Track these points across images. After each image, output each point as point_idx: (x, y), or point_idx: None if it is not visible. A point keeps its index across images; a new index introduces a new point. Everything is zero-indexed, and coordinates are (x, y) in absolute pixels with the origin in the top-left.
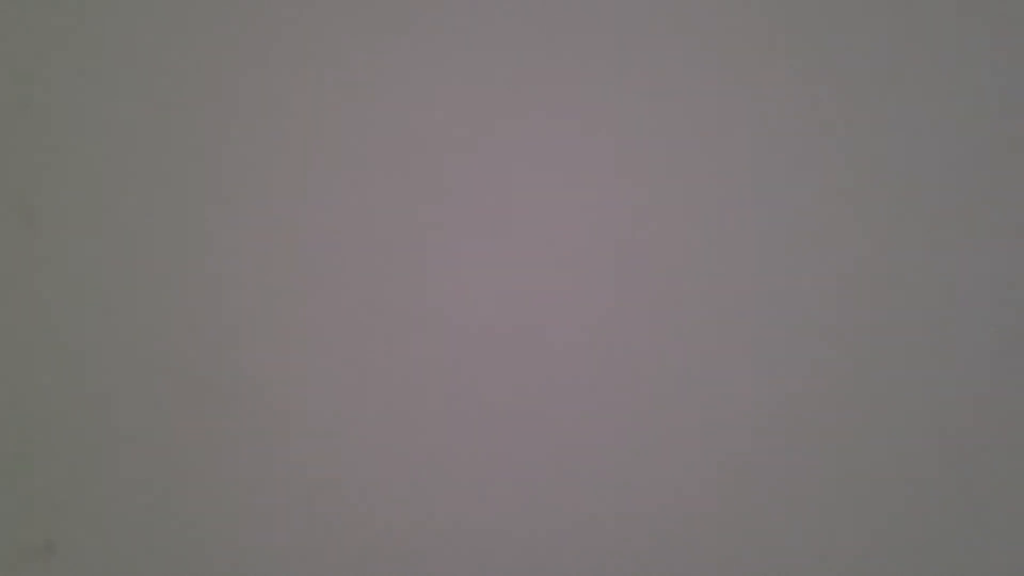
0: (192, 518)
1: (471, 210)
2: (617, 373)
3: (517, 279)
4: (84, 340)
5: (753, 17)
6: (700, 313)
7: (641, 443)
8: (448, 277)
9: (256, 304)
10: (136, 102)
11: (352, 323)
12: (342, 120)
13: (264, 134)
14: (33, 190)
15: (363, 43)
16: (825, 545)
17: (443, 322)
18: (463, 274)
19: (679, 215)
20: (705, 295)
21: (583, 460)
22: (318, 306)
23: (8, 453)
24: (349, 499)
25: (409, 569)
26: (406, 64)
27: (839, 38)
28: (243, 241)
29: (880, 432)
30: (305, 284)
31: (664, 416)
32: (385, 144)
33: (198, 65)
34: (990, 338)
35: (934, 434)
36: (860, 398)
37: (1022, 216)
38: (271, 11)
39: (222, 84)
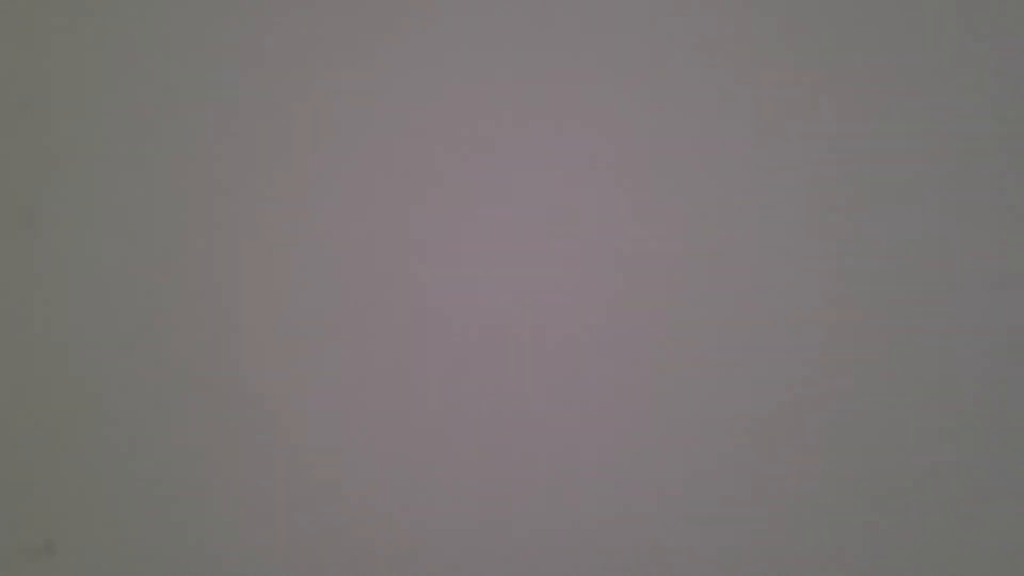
0: (192, 518)
1: (471, 210)
2: (617, 373)
3: (517, 279)
4: (84, 340)
5: (753, 17)
6: (700, 313)
7: (641, 443)
8: (448, 277)
9: (256, 304)
10: (136, 102)
11: (352, 323)
12: (342, 120)
13: (264, 134)
14: (33, 190)
15: (363, 43)
16: (826, 545)
17: (443, 322)
18: (463, 274)
19: (679, 215)
20: (705, 295)
21: (583, 460)
22: (318, 306)
23: (8, 453)
24: (349, 499)
25: (409, 569)
26: (406, 64)
27: (839, 38)
28: (243, 241)
29: (880, 432)
30: (305, 284)
31: (664, 416)
32: (385, 144)
33: (198, 65)
34: (990, 338)
35: (934, 434)
36: (860, 397)
37: (1022, 215)
38: (271, 11)
39: (222, 84)
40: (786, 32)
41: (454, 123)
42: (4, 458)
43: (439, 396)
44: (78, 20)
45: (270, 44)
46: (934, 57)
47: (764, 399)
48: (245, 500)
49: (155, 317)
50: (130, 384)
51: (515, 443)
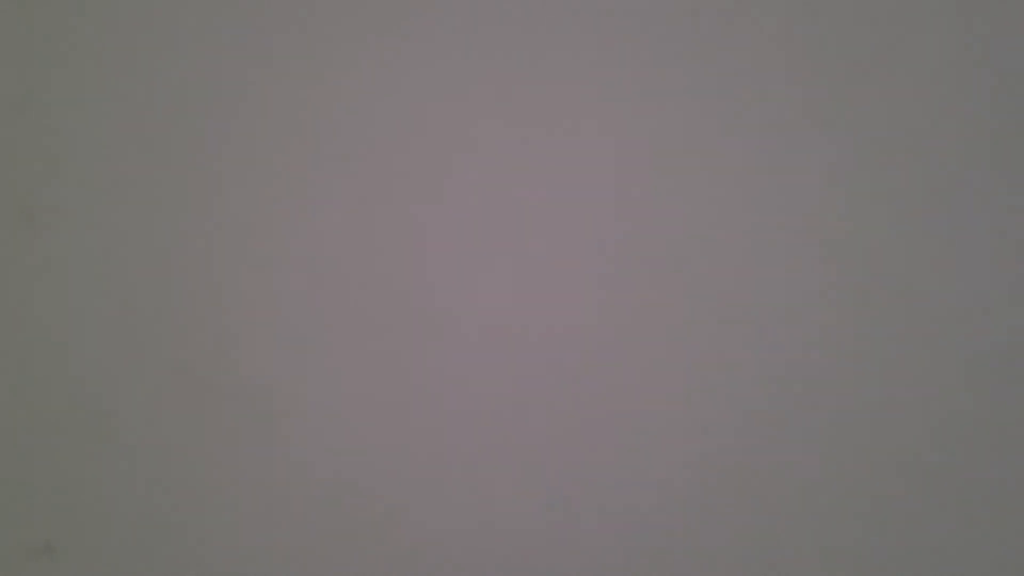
0: (192, 518)
1: (471, 210)
2: (618, 372)
3: (517, 279)
4: (84, 340)
5: (752, 17)
6: (701, 312)
7: (642, 442)
8: (449, 276)
9: (257, 304)
10: (136, 102)
11: (352, 323)
12: (343, 121)
13: (264, 135)
14: (33, 190)
15: (363, 43)
16: (826, 544)
17: (443, 321)
18: (464, 273)
19: (679, 215)
20: (705, 294)
21: (584, 459)
22: (318, 307)
23: (8, 453)
24: (350, 499)
25: (409, 569)
26: (406, 64)
27: (839, 38)
28: (244, 241)
29: (880, 430)
30: (305, 285)
31: (664, 415)
32: (385, 145)
33: (198, 66)
34: (990, 337)
35: (934, 434)
36: (860, 397)
37: (1022, 215)
38: (271, 12)
39: (222, 85)
40: (787, 31)
41: (454, 123)
42: (4, 458)
43: (440, 395)
44: (78, 20)
45: (271, 44)
46: (934, 56)
47: (764, 398)
48: (245, 500)
49: (155, 317)
50: (130, 384)
51: (515, 442)
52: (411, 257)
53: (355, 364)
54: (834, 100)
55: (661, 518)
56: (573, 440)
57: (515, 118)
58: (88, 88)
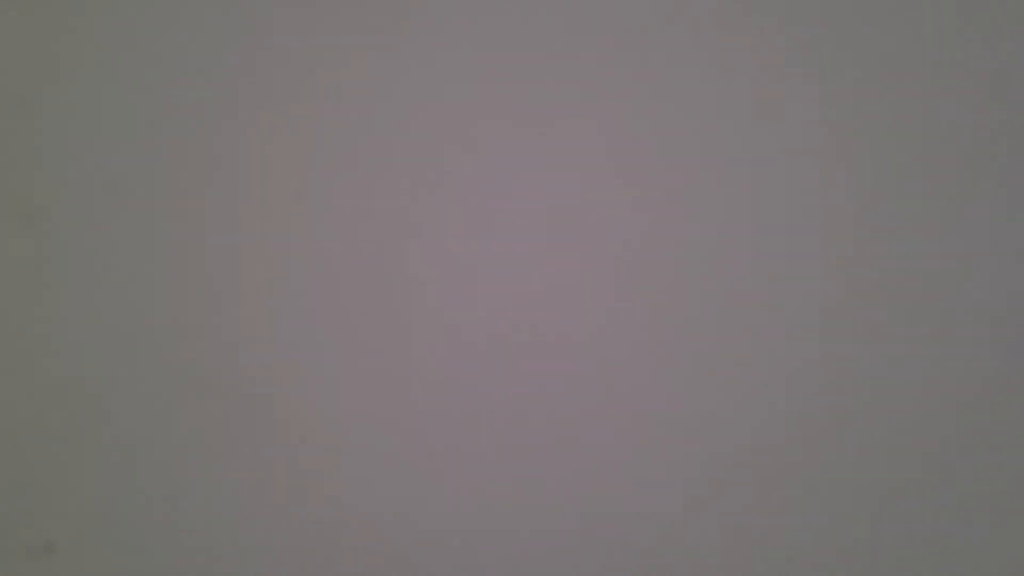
0: (192, 518)
1: (471, 211)
2: (617, 373)
3: (517, 280)
4: (84, 340)
5: (753, 16)
6: (700, 313)
7: (641, 443)
8: (449, 277)
9: (257, 305)
10: (136, 102)
11: (353, 324)
12: (342, 121)
13: (265, 135)
14: (33, 190)
15: (363, 43)
16: (826, 544)
17: (444, 321)
18: (464, 274)
19: (680, 215)
20: (705, 296)
21: (583, 460)
22: (319, 307)
23: (8, 453)
24: (350, 500)
25: (409, 569)
26: (406, 64)
27: (839, 37)
28: (244, 241)
29: (883, 430)
30: (306, 286)
31: (664, 416)
32: (387, 146)
33: (198, 65)
34: (990, 337)
35: (935, 434)
36: (860, 397)
37: (1022, 215)
38: (271, 11)
39: (222, 84)
40: (787, 31)
41: (454, 123)
42: (4, 458)
43: (439, 396)
44: (78, 20)
45: (271, 44)
46: (935, 56)
47: (765, 398)
48: (245, 500)
49: (156, 317)
50: (130, 384)
51: (515, 443)
52: (413, 259)
53: (356, 365)
54: (839, 101)
55: (666, 521)
56: (575, 443)
57: (518, 119)
58: (88, 88)
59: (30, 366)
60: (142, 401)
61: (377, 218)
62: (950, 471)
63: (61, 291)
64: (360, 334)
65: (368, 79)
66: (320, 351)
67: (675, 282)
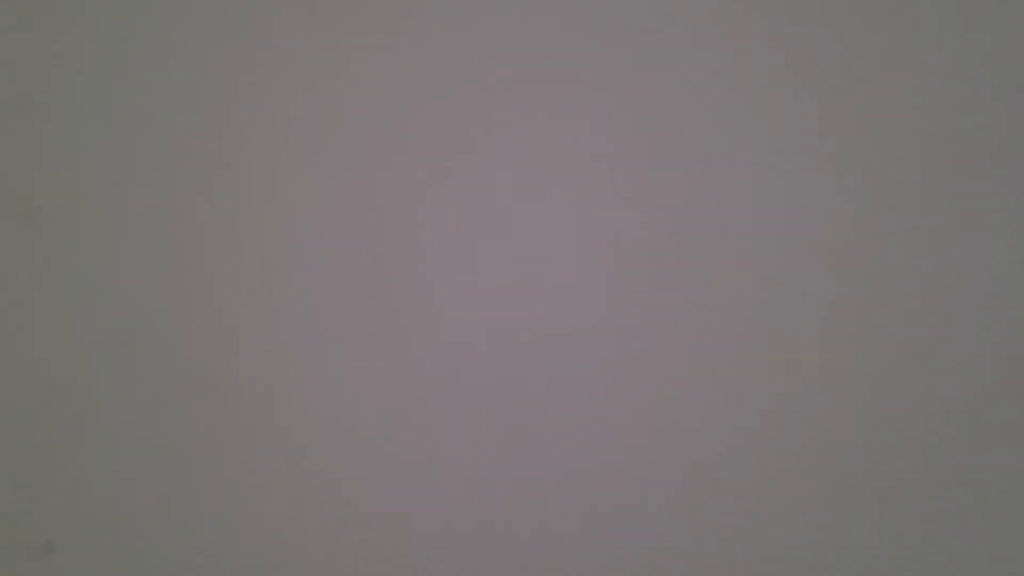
0: (192, 518)
1: (473, 211)
2: (617, 373)
3: (517, 280)
4: (84, 340)
5: (753, 16)
6: (700, 314)
7: (641, 443)
8: (450, 276)
9: (257, 305)
10: (136, 102)
11: (352, 323)
12: (342, 121)
13: (264, 134)
14: (33, 190)
15: (363, 43)
16: (826, 544)
17: (444, 321)
18: (465, 273)
19: (679, 215)
20: (705, 296)
21: (583, 460)
22: (319, 307)
23: (8, 453)
24: (350, 499)
25: (409, 569)
26: (406, 64)
27: (839, 37)
28: (244, 241)
29: (881, 429)
30: (306, 285)
31: (664, 416)
32: (386, 145)
33: (198, 65)
34: (990, 337)
35: (935, 433)
36: (860, 397)
37: (1022, 215)
38: (270, 11)
39: (222, 84)
40: (787, 31)
41: (455, 123)
42: (4, 458)
43: (439, 396)
44: (78, 20)
45: (271, 44)
46: (935, 56)
47: (764, 399)
48: (245, 500)
49: (155, 317)
50: (130, 384)
51: (515, 443)
52: (411, 257)
53: (356, 364)
54: (837, 101)
55: (664, 520)
56: (575, 441)
57: (517, 118)
58: (88, 89)
59: (30, 366)
60: (142, 401)
61: (377, 218)
62: (950, 472)
63: (61, 291)
64: (360, 334)
65: (368, 79)
66: (320, 351)
67: (676, 282)
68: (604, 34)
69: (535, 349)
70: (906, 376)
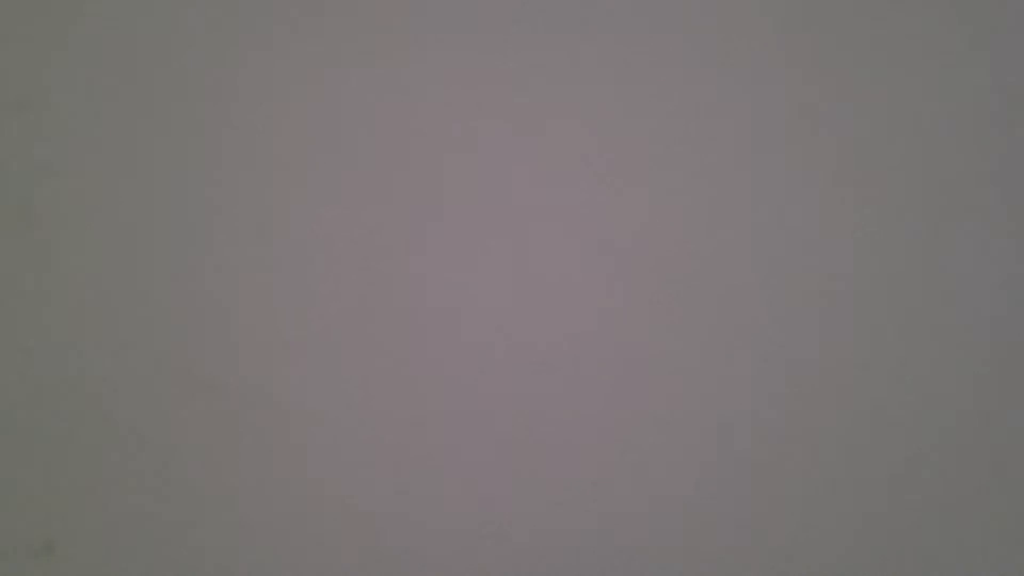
0: (192, 519)
1: (471, 210)
2: (617, 373)
3: (517, 280)
4: (84, 340)
5: (753, 17)
6: (700, 314)
7: (641, 443)
8: (449, 277)
9: (257, 305)
10: (136, 102)
11: (352, 324)
12: (342, 121)
13: (264, 135)
14: (33, 190)
15: (362, 43)
16: (826, 544)
17: (444, 322)
18: (464, 274)
19: (679, 216)
20: (705, 296)
21: (583, 460)
22: (318, 308)
23: (8, 453)
24: (350, 499)
25: (409, 569)
26: (406, 65)
27: (839, 38)
28: (244, 241)
29: (880, 433)
30: (306, 285)
31: (663, 416)
32: (386, 146)
33: (197, 65)
34: (990, 337)
35: (934, 433)
36: (859, 397)
37: (1022, 215)
38: (270, 12)
39: (222, 85)
40: (786, 31)
41: (455, 124)
42: (4, 458)
43: (440, 397)
44: (78, 20)
45: (270, 44)
46: (935, 56)
47: (763, 399)
48: (245, 500)
49: (155, 317)
50: (130, 384)
51: (515, 443)
52: (412, 260)
53: (356, 365)
54: (839, 100)
55: (662, 522)
56: (575, 440)
57: (515, 120)
58: (87, 88)
59: (30, 366)
60: (142, 401)
61: (378, 219)
62: (949, 472)
63: (61, 291)
64: (360, 334)
65: (368, 80)
66: (320, 351)
67: (677, 281)
68: (604, 35)
69: (535, 349)
70: (906, 376)
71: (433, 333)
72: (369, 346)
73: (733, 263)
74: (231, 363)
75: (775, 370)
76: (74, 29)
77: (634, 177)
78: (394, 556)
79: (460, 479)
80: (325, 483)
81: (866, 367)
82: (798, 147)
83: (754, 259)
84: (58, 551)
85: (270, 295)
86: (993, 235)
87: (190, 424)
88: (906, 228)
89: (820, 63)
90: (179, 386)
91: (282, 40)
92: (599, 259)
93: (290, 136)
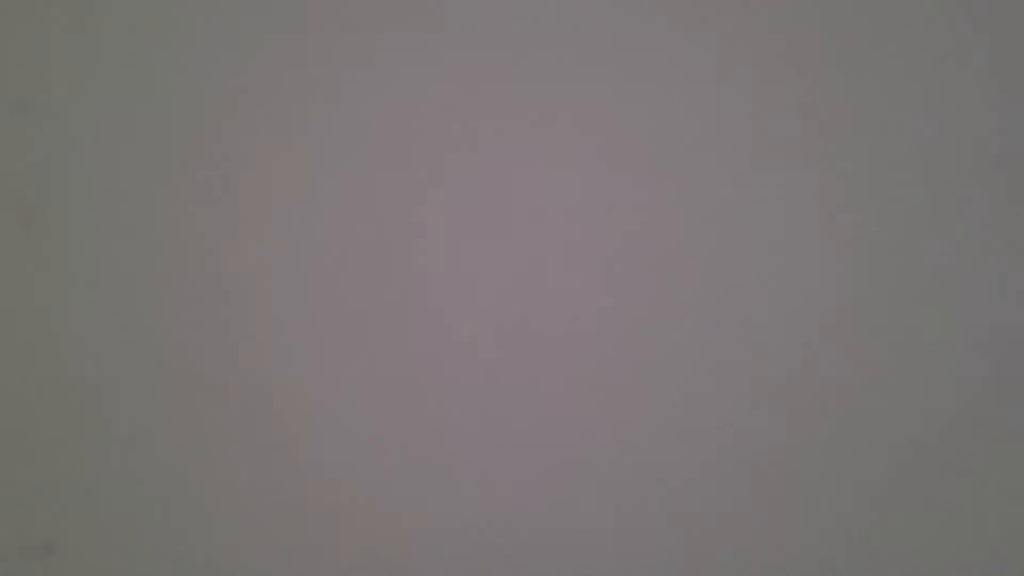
0: (192, 518)
1: (471, 210)
2: (617, 372)
3: (517, 279)
4: (84, 340)
5: (752, 16)
6: (700, 313)
7: (641, 442)
8: (448, 277)
9: (257, 304)
10: (136, 102)
11: (352, 323)
12: (342, 121)
13: (264, 134)
14: (33, 190)
15: (362, 42)
16: (826, 544)
17: (444, 320)
18: (463, 274)
19: (679, 214)
20: (705, 295)
21: (583, 460)
22: (317, 307)
23: (8, 453)
24: (351, 499)
25: (409, 569)
26: (406, 63)
27: (839, 37)
28: (243, 241)
29: (883, 433)
30: (305, 284)
31: (663, 415)
32: (385, 145)
33: (198, 65)
34: (990, 337)
35: (934, 434)
36: (859, 396)
37: (1022, 216)
38: (270, 11)
39: (222, 84)
40: (787, 30)
41: (455, 123)
42: (4, 458)
43: (439, 395)
44: (78, 20)
45: (270, 44)
46: (934, 55)
47: (764, 398)
48: (246, 500)
49: (155, 317)
50: (130, 384)
51: (515, 443)
52: (411, 257)
53: (357, 364)
54: (836, 100)
55: (662, 522)
56: (573, 441)
57: (516, 118)
58: (87, 88)
59: (30, 366)
60: (142, 401)
61: (377, 217)
62: (949, 473)
63: (60, 291)
64: (361, 333)
65: (368, 79)
66: (320, 351)
67: (677, 281)
68: (604, 35)
69: (536, 349)
70: (906, 376)
71: (433, 333)
72: (369, 346)
73: (733, 263)
74: (232, 363)
75: (775, 370)
76: (74, 29)
77: (634, 177)
78: (394, 556)
79: (460, 479)
80: (325, 483)
81: (866, 367)
82: (798, 147)
83: (754, 259)
84: (58, 551)
85: (270, 295)
86: (996, 236)
87: (190, 424)
88: (907, 228)
89: (820, 63)
90: (179, 386)
91: (282, 40)
92: (599, 259)
93: (290, 136)
